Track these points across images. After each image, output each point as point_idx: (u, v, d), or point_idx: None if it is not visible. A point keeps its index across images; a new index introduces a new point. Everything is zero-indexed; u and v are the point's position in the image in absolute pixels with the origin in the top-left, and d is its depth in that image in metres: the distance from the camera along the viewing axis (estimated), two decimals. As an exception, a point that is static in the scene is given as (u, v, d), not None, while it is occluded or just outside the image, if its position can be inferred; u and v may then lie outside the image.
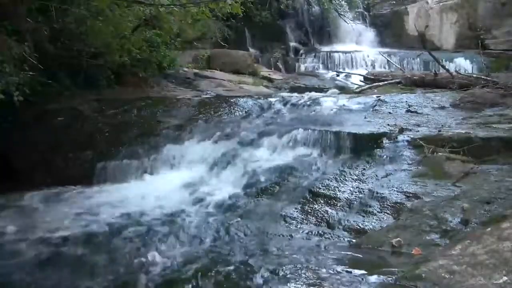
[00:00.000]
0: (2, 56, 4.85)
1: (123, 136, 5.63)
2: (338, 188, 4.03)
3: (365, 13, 13.53)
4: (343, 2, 13.07)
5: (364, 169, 4.28)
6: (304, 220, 3.71)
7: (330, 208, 3.78)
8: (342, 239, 3.40)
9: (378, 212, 3.60)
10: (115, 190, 4.79)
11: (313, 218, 3.72)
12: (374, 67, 10.51)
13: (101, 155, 5.35)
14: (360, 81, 9.43)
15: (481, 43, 10.02)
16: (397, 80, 8.45)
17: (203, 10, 7.64)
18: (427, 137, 4.55)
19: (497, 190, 3.40)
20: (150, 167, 5.17)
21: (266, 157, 4.91)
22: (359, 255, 3.06)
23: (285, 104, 6.42)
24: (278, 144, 5.07)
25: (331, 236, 3.45)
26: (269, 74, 10.20)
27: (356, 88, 8.35)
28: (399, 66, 9.80)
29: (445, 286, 2.07)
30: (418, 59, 10.00)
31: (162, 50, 7.74)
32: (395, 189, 3.79)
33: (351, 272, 2.65)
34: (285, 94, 7.95)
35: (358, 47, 12.00)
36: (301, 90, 8.51)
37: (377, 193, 3.80)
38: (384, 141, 4.61)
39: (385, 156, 4.41)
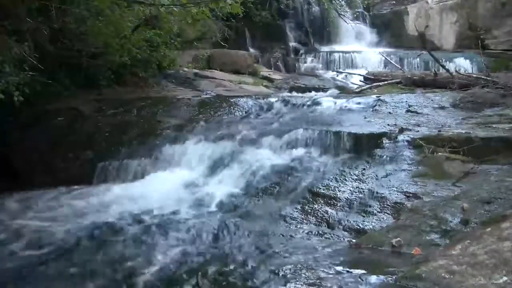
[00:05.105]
0: (2, 56, 4.86)
1: (123, 136, 5.63)
2: (338, 188, 4.03)
3: (365, 13, 13.52)
4: (343, 2, 13.09)
5: (364, 169, 4.27)
6: (304, 220, 3.71)
7: (330, 208, 3.78)
8: (342, 239, 3.40)
9: (378, 212, 3.60)
10: (115, 190, 4.78)
11: (313, 218, 3.72)
12: (374, 67, 10.50)
13: (101, 155, 5.35)
14: (360, 81, 9.40)
15: (481, 43, 10.02)
16: (397, 80, 8.43)
17: (203, 10, 7.64)
18: (427, 137, 4.54)
19: (497, 190, 3.39)
20: (150, 167, 5.16)
21: (266, 157, 4.89)
22: (359, 255, 3.06)
23: (285, 104, 6.41)
24: (278, 144, 5.06)
25: (331, 236, 3.45)
26: (269, 74, 10.19)
27: (356, 88, 8.34)
28: (399, 66, 9.79)
29: (445, 286, 2.06)
30: (418, 59, 9.99)
31: (162, 50, 7.75)
32: (395, 189, 3.79)
33: (351, 272, 2.64)
34: (285, 94, 7.97)
35: (358, 47, 11.98)
36: (301, 90, 8.52)
37: (377, 193, 3.80)
38: (384, 141, 4.61)
39: (385, 156, 4.40)
